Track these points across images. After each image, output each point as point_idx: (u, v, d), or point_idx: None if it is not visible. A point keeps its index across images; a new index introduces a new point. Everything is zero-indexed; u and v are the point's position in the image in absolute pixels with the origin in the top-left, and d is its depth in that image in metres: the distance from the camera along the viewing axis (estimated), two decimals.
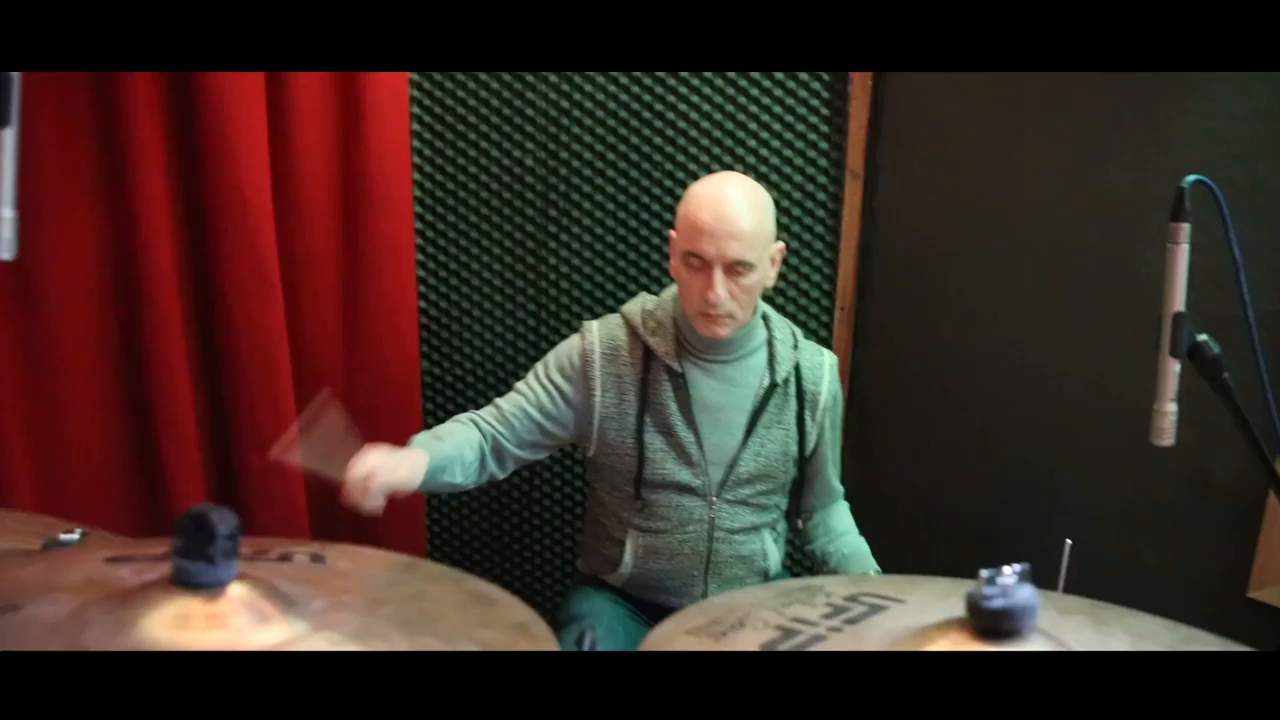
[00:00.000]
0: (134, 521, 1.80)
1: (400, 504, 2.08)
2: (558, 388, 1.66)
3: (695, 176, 2.03)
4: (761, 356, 1.67)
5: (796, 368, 1.68)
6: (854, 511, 1.84)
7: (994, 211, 2.00)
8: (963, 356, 2.05)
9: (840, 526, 1.80)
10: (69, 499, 1.72)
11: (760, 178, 2.06)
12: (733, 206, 1.53)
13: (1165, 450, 1.82)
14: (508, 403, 1.67)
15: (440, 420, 2.18)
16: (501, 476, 1.70)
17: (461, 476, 1.61)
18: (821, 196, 2.07)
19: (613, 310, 1.75)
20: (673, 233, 1.62)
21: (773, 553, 1.73)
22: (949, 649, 0.71)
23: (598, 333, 1.66)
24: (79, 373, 1.74)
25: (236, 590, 0.74)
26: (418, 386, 2.10)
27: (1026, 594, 0.70)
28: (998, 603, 0.69)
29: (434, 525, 2.26)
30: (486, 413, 1.68)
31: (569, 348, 1.68)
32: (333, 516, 1.99)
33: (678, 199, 2.07)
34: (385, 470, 1.43)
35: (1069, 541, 1.22)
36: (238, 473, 1.91)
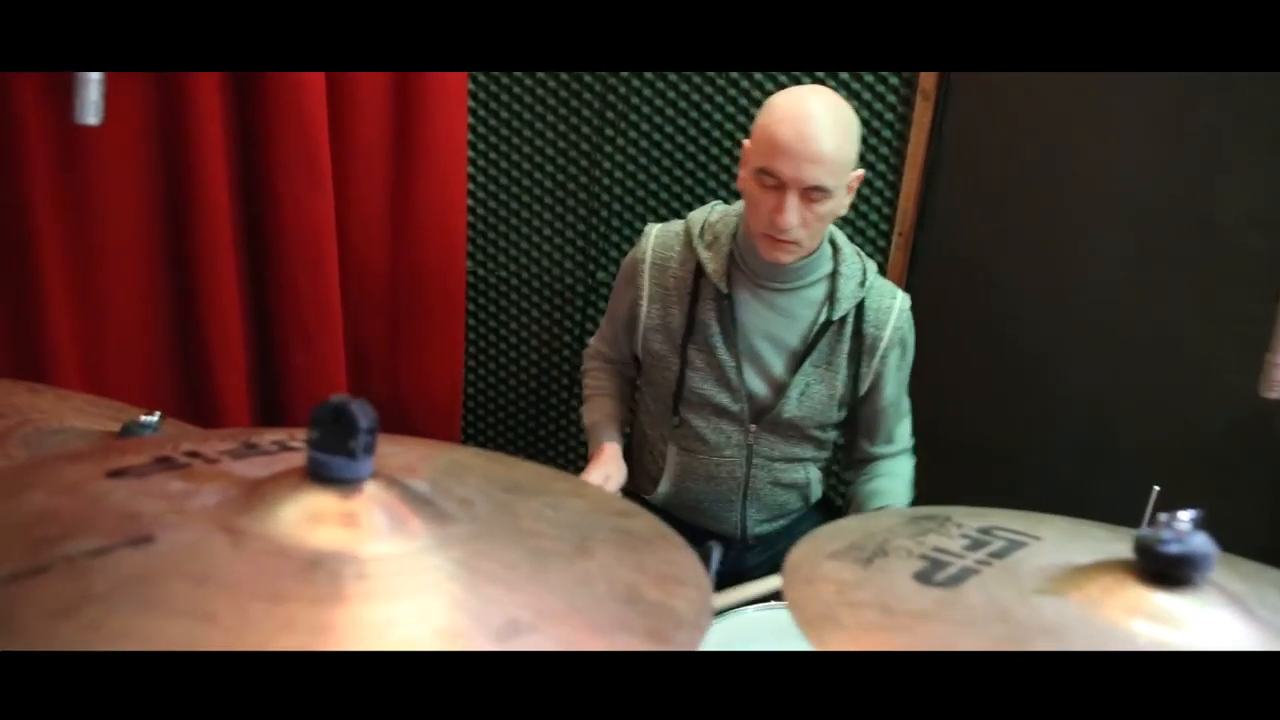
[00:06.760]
0: (174, 411, 1.75)
1: (438, 409, 2.07)
2: (618, 306, 1.68)
3: (760, 85, 1.96)
4: (821, 289, 1.56)
5: (860, 307, 1.56)
6: None
7: (1069, 143, 1.94)
8: (1021, 292, 2.01)
9: (890, 469, 1.68)
10: (111, 385, 1.67)
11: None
12: (817, 125, 1.40)
13: (1226, 399, 1.81)
14: (606, 326, 1.74)
15: (481, 322, 2.16)
16: None
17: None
18: (889, 116, 2.00)
19: (663, 221, 1.69)
20: (746, 143, 1.50)
21: (814, 482, 1.70)
22: (1112, 588, 0.69)
23: (653, 241, 1.61)
24: (126, 259, 1.68)
25: (372, 488, 0.71)
26: (462, 286, 2.05)
27: (1202, 541, 0.68)
28: (1174, 548, 0.67)
29: (469, 427, 2.24)
30: (601, 343, 1.75)
31: (630, 256, 1.65)
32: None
33: (740, 108, 2.01)
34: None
35: (1156, 488, 1.20)
36: (280, 365, 1.87)
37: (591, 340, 1.80)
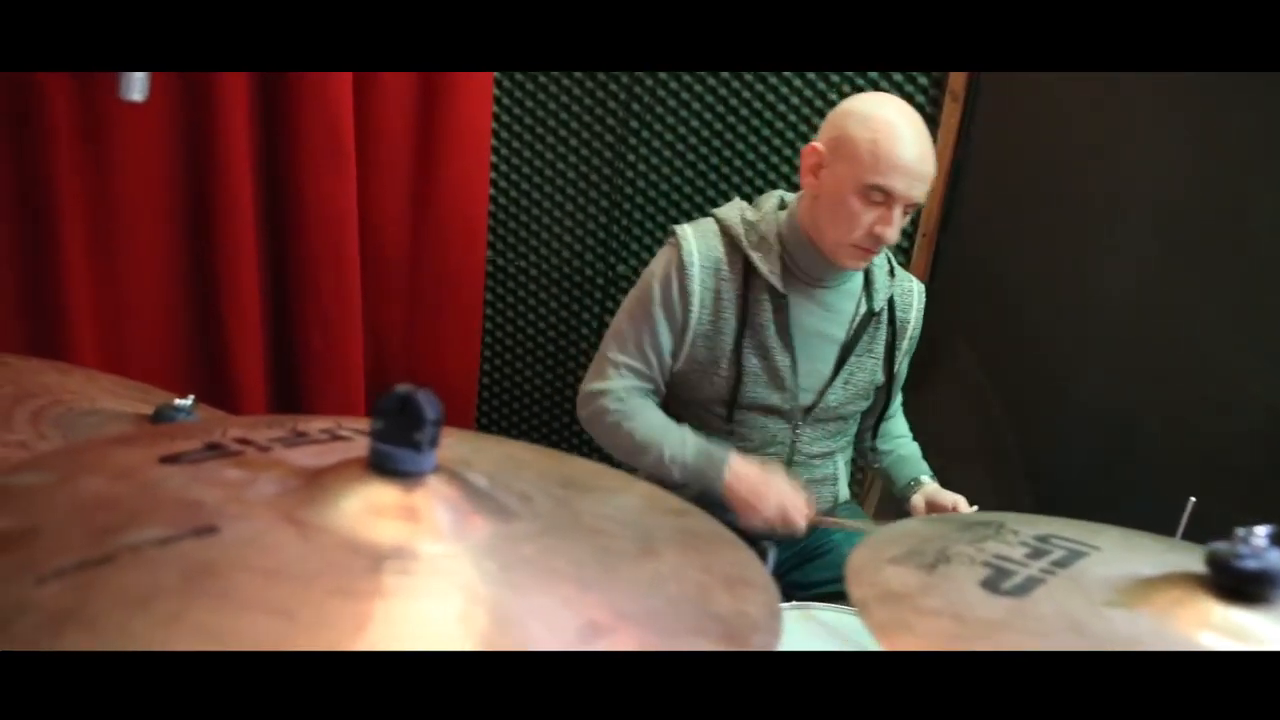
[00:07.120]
0: (193, 392, 1.74)
1: (453, 398, 2.05)
2: (668, 319, 1.54)
3: (787, 82, 1.95)
4: (857, 281, 1.60)
5: (891, 296, 1.62)
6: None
7: (1097, 145, 1.92)
8: (1045, 296, 2.00)
9: (896, 430, 1.81)
10: (131, 366, 1.65)
11: (855, 89, 1.98)
12: (927, 145, 1.44)
13: (1253, 409, 1.79)
14: (637, 350, 1.56)
15: (499, 312, 2.14)
16: None
17: None
18: None
19: (686, 218, 1.66)
20: (817, 145, 1.47)
21: (842, 477, 1.72)
22: (1183, 601, 0.69)
23: (695, 243, 1.53)
24: (148, 242, 1.66)
25: (434, 482, 0.69)
26: (481, 276, 2.04)
27: (1278, 557, 0.67)
28: (1251, 564, 0.66)
29: (483, 417, 2.22)
30: (630, 372, 1.56)
31: (665, 265, 1.54)
32: None
33: (766, 104, 2.00)
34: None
35: (1192, 499, 1.20)
36: (299, 350, 1.85)
37: (603, 383, 1.57)
